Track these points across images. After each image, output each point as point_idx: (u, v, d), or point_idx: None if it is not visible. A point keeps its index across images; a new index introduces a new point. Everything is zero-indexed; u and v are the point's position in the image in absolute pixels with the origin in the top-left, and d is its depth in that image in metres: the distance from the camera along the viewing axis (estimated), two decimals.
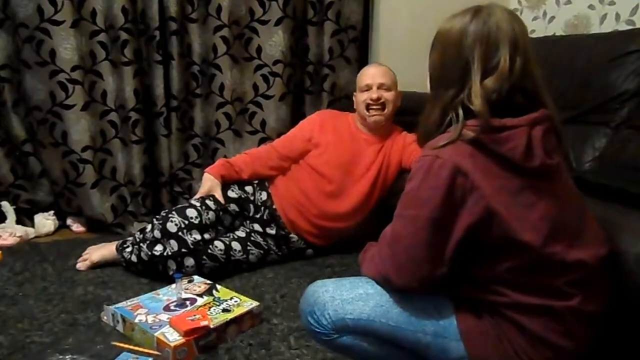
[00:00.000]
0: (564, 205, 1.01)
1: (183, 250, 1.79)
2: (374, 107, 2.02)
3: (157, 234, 1.82)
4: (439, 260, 0.99)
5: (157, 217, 1.88)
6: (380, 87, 2.03)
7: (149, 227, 1.87)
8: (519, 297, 0.98)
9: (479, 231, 0.96)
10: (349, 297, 1.07)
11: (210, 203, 1.91)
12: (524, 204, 0.97)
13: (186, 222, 1.82)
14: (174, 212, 1.84)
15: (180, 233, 1.80)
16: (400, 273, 1.02)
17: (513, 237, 0.95)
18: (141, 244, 1.84)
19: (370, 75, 2.06)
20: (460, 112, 0.99)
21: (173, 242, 1.79)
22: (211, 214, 1.89)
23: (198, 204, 1.89)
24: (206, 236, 1.85)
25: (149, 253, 1.81)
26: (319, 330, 1.08)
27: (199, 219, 1.84)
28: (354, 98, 2.14)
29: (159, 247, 1.81)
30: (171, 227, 1.80)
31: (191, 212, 1.85)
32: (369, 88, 2.03)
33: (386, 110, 2.03)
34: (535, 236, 0.96)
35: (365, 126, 2.09)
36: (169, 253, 1.79)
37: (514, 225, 0.95)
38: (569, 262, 0.98)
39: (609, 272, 1.06)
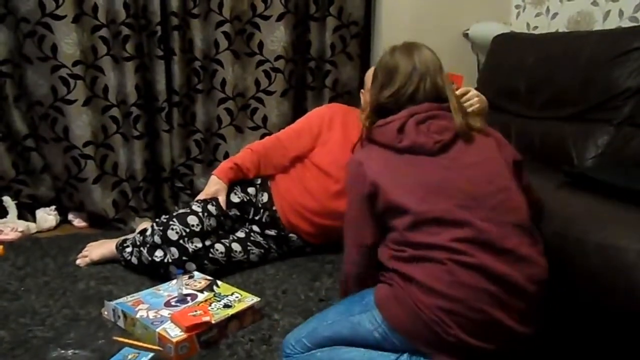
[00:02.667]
0: (458, 173, 1.22)
1: (184, 258, 1.79)
2: None
3: (157, 239, 1.80)
4: (367, 227, 1.29)
5: (157, 221, 1.86)
6: None
7: (149, 231, 1.84)
8: (413, 252, 1.17)
9: (374, 201, 1.25)
10: (305, 323, 1.33)
11: (212, 209, 1.88)
12: (402, 174, 1.24)
13: (187, 230, 1.80)
14: (174, 220, 1.81)
15: (181, 241, 1.79)
16: (348, 246, 1.35)
17: (394, 201, 1.21)
18: (141, 248, 1.83)
19: None
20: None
21: (174, 250, 1.78)
22: (212, 220, 1.86)
23: (200, 210, 1.85)
24: (207, 243, 1.84)
25: (149, 258, 1.80)
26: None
27: (200, 226, 1.82)
28: (361, 96, 2.07)
29: (159, 253, 1.80)
30: (172, 234, 1.79)
31: (192, 220, 1.82)
32: None
33: None
34: (411, 199, 1.19)
35: None
36: (170, 260, 1.78)
37: (394, 192, 1.22)
38: (451, 220, 1.16)
39: (533, 239, 1.21)
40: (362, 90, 2.07)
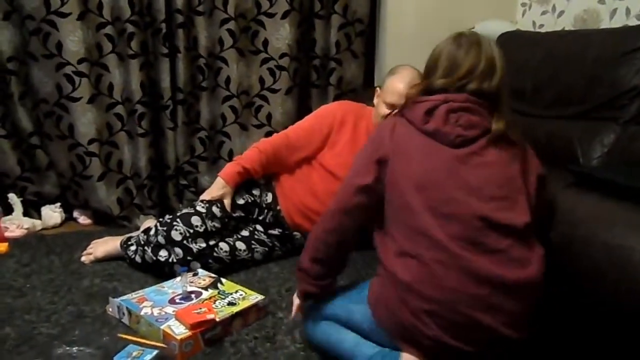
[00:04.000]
0: (471, 169, 1.19)
1: (188, 258, 1.79)
2: None
3: (160, 239, 1.80)
4: (367, 172, 1.27)
5: (161, 221, 1.85)
6: None
7: (152, 230, 1.84)
8: (403, 243, 1.18)
9: (382, 170, 1.25)
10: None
11: (216, 211, 1.87)
12: (417, 161, 1.21)
13: (191, 230, 1.80)
14: (178, 220, 1.81)
15: (185, 242, 1.79)
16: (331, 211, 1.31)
17: (394, 181, 1.22)
18: (145, 247, 1.83)
19: (399, 94, 1.79)
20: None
21: (178, 250, 1.78)
22: (216, 221, 1.86)
23: (204, 211, 1.85)
24: (211, 242, 1.84)
25: (154, 258, 1.80)
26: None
27: (203, 227, 1.82)
28: (375, 96, 1.99)
29: (163, 253, 1.80)
30: (175, 235, 1.79)
31: (196, 220, 1.82)
32: (392, 107, 1.83)
33: None
34: (406, 184, 1.20)
35: None
36: (175, 260, 1.78)
37: (397, 171, 1.22)
38: (446, 214, 1.14)
39: (528, 242, 1.18)
40: (377, 91, 1.99)
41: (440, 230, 1.14)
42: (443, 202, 1.16)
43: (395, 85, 1.86)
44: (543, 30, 2.64)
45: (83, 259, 1.95)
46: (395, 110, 1.38)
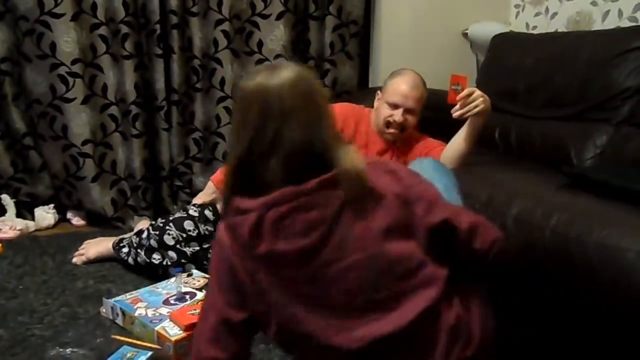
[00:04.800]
0: (329, 285, 0.93)
1: (183, 261, 1.79)
2: (394, 127, 1.89)
3: (153, 243, 1.80)
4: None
5: (154, 224, 1.85)
6: (407, 111, 1.87)
7: (145, 233, 1.83)
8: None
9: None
10: None
11: (209, 214, 1.86)
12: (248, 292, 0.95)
13: (184, 235, 1.79)
14: (171, 225, 1.81)
15: (178, 245, 1.78)
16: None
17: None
18: (138, 250, 1.82)
19: (402, 95, 1.85)
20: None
21: (172, 253, 1.78)
22: (209, 225, 1.85)
23: (196, 215, 1.84)
24: (205, 245, 1.83)
25: (147, 260, 1.80)
26: None
27: (196, 230, 1.82)
28: (376, 99, 1.99)
29: (157, 256, 1.79)
30: (168, 239, 1.78)
31: (188, 225, 1.81)
32: (396, 107, 1.86)
33: (404, 132, 1.91)
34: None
35: (380, 135, 1.97)
36: (169, 263, 1.78)
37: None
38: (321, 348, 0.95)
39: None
40: (378, 94, 1.99)
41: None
42: (312, 336, 0.94)
43: (399, 85, 1.88)
44: (536, 31, 2.65)
45: (75, 259, 1.94)
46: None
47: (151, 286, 1.64)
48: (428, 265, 0.94)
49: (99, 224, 2.39)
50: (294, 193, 0.90)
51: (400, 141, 1.97)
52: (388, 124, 1.89)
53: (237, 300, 0.96)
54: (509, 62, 2.35)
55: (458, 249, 0.99)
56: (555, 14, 2.60)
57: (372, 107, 2.02)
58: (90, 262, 1.93)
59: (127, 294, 1.58)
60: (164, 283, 1.66)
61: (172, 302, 1.53)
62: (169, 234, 1.78)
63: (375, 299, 0.92)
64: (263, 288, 0.94)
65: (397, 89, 1.87)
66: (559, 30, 2.56)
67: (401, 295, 0.92)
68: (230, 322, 0.96)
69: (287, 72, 0.94)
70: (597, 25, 2.38)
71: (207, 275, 1.72)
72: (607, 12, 2.34)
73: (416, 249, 0.94)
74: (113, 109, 2.33)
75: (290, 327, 0.95)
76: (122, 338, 1.42)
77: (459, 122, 1.81)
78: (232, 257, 0.95)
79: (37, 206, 2.36)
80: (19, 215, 2.29)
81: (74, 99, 2.25)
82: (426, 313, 0.92)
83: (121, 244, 1.92)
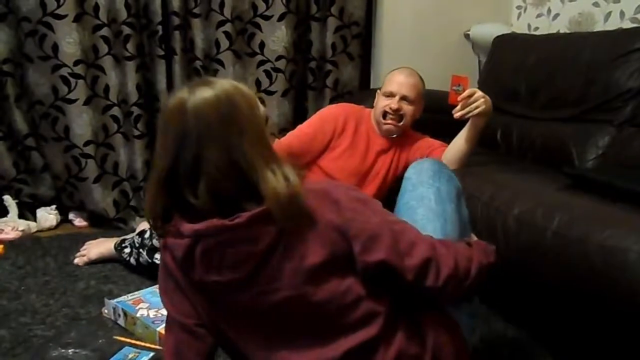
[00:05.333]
0: (260, 321, 0.92)
1: None
2: (391, 116, 1.92)
3: (155, 243, 1.79)
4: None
5: None
6: (403, 98, 1.90)
7: (147, 233, 1.83)
8: None
9: None
10: None
11: None
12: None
13: None
14: None
15: None
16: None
17: None
18: (140, 250, 1.82)
19: (397, 83, 1.92)
20: None
21: None
22: None
23: None
24: None
25: (149, 260, 1.80)
26: None
27: None
28: (376, 96, 2.02)
29: (159, 256, 1.78)
30: None
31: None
32: (391, 95, 1.91)
33: (402, 123, 1.93)
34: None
35: (380, 130, 1.99)
36: None
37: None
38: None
39: None
40: (377, 91, 2.02)
41: None
42: None
43: (394, 75, 1.95)
44: (538, 32, 2.65)
45: (76, 260, 1.94)
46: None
47: (153, 287, 1.64)
48: (365, 302, 0.90)
49: (101, 225, 2.39)
50: (221, 227, 0.85)
51: (400, 138, 1.98)
52: (385, 114, 1.93)
53: (189, 310, 0.97)
54: (511, 63, 2.35)
55: (405, 286, 0.92)
56: (557, 15, 2.60)
57: (373, 107, 2.03)
58: (92, 263, 1.93)
59: (129, 295, 1.58)
60: None
61: None
62: None
63: (308, 333, 0.90)
64: (203, 307, 0.95)
65: (392, 79, 1.95)
66: (561, 31, 2.56)
67: (337, 331, 0.90)
68: (188, 327, 0.97)
69: (207, 91, 0.88)
70: (599, 27, 2.37)
71: None
72: (609, 13, 2.34)
73: (354, 284, 0.90)
74: (115, 110, 2.33)
75: (229, 344, 0.96)
76: (124, 339, 1.42)
77: (461, 123, 1.81)
78: (176, 273, 0.95)
79: (39, 207, 2.36)
80: (21, 216, 2.30)
81: (76, 100, 2.25)
82: (359, 350, 0.88)
83: (123, 245, 1.92)
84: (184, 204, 0.88)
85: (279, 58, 2.51)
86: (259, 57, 2.52)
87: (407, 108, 1.92)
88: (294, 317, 0.90)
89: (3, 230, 2.17)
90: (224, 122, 0.86)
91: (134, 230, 2.22)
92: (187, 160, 0.86)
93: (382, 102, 1.94)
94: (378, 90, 2.02)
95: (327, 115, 2.02)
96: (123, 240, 1.94)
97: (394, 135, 1.97)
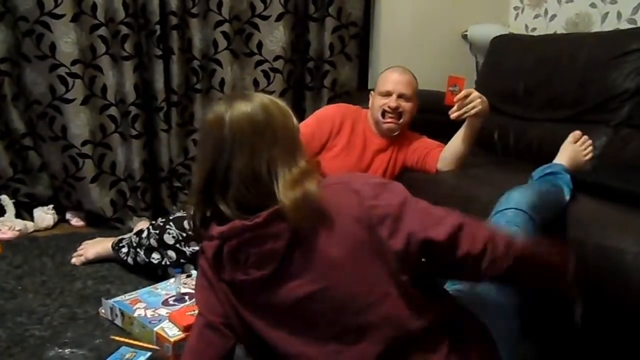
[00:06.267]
0: (288, 317, 0.94)
1: (182, 260, 1.79)
2: (391, 115, 1.93)
3: (153, 242, 1.79)
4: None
5: (154, 224, 1.85)
6: (400, 96, 1.92)
7: (145, 233, 1.83)
8: None
9: None
10: None
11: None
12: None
13: (183, 234, 1.79)
14: (171, 224, 1.80)
15: (178, 245, 1.78)
16: None
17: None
18: (138, 249, 1.82)
19: (393, 81, 1.94)
20: None
21: (171, 253, 1.78)
22: None
23: None
24: None
25: (146, 260, 1.80)
26: None
27: None
28: (370, 97, 2.04)
29: (156, 255, 1.79)
30: (168, 239, 1.78)
31: (188, 224, 1.82)
32: (388, 94, 1.93)
33: (402, 120, 1.95)
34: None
35: (378, 130, 2.00)
36: (168, 263, 1.78)
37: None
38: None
39: None
40: (371, 92, 2.05)
41: None
42: None
43: (388, 75, 1.98)
44: (535, 33, 2.66)
45: (73, 260, 1.94)
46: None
47: (150, 287, 1.64)
48: (389, 300, 0.89)
49: (98, 224, 2.39)
50: (242, 228, 0.89)
51: (398, 138, 1.99)
52: (384, 113, 1.94)
53: (218, 308, 1.00)
54: (508, 63, 2.35)
55: (442, 261, 0.92)
56: (554, 15, 2.61)
57: (369, 108, 2.05)
58: (89, 262, 1.93)
59: (126, 295, 1.58)
60: (163, 284, 1.66)
61: (171, 302, 1.53)
62: (169, 233, 1.78)
63: (332, 332, 0.91)
64: (233, 305, 0.98)
65: (386, 78, 1.97)
66: (558, 32, 2.57)
67: (360, 331, 0.89)
68: (214, 325, 0.99)
69: (244, 105, 0.94)
70: (596, 27, 2.38)
71: None
72: (606, 14, 2.34)
73: (379, 280, 0.89)
74: (112, 110, 2.33)
75: (258, 343, 0.98)
76: (121, 339, 1.42)
77: (457, 124, 1.81)
78: (208, 273, 1.00)
79: (36, 207, 2.36)
80: (18, 215, 2.29)
81: (74, 99, 2.25)
82: (388, 355, 0.88)
83: (120, 244, 1.91)
84: (219, 210, 0.93)
85: (276, 58, 2.51)
86: (257, 57, 2.52)
87: (405, 105, 1.94)
88: (317, 316, 0.92)
89: (0, 229, 2.17)
90: (257, 132, 0.92)
91: (131, 230, 2.22)
92: (221, 170, 0.91)
93: (379, 102, 1.95)
94: (372, 92, 2.04)
95: (324, 116, 2.04)
96: (120, 240, 1.94)
97: (395, 133, 1.98)
